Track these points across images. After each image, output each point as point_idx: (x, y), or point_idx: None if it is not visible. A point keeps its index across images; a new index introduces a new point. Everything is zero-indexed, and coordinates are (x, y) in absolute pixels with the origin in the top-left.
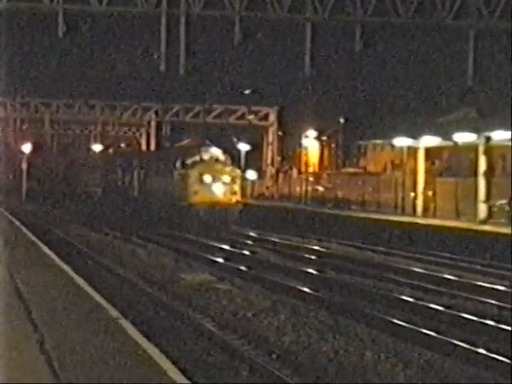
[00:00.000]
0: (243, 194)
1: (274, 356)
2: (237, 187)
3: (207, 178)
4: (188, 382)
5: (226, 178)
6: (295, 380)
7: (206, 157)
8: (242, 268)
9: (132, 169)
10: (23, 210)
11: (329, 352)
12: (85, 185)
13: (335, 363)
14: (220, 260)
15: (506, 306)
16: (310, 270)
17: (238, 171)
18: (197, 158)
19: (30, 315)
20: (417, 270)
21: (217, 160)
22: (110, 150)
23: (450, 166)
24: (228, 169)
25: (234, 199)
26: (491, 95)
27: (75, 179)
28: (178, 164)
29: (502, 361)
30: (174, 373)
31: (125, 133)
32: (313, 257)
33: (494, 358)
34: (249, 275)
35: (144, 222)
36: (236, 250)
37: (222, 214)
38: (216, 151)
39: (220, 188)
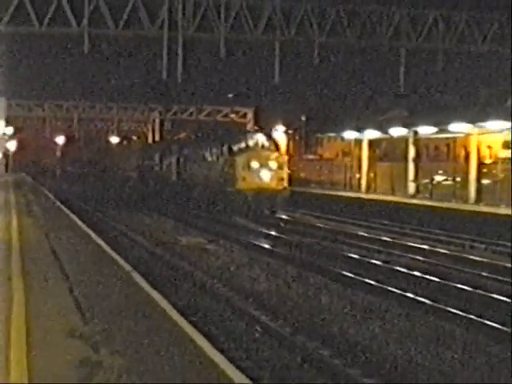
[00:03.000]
0: (290, 180)
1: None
2: (284, 173)
3: (255, 164)
4: (183, 318)
5: (273, 164)
6: (265, 318)
7: (251, 143)
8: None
9: (171, 154)
10: (59, 189)
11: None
12: (118, 169)
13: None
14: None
15: (421, 258)
16: (277, 234)
17: (285, 157)
18: (243, 144)
19: (63, 268)
20: (361, 233)
21: (262, 146)
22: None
23: (387, 153)
24: (275, 155)
25: (281, 185)
26: (418, 98)
27: (110, 164)
28: (225, 150)
29: (422, 301)
30: (173, 313)
31: (135, 128)
32: (280, 223)
33: (419, 301)
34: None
35: (183, 204)
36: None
37: (271, 200)
38: (261, 138)
39: (267, 174)
